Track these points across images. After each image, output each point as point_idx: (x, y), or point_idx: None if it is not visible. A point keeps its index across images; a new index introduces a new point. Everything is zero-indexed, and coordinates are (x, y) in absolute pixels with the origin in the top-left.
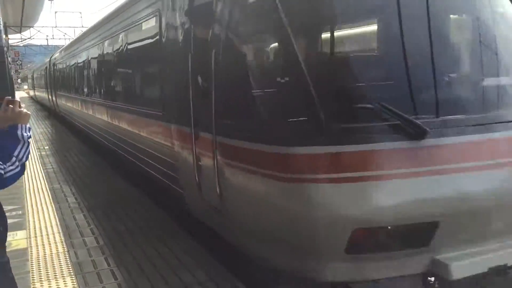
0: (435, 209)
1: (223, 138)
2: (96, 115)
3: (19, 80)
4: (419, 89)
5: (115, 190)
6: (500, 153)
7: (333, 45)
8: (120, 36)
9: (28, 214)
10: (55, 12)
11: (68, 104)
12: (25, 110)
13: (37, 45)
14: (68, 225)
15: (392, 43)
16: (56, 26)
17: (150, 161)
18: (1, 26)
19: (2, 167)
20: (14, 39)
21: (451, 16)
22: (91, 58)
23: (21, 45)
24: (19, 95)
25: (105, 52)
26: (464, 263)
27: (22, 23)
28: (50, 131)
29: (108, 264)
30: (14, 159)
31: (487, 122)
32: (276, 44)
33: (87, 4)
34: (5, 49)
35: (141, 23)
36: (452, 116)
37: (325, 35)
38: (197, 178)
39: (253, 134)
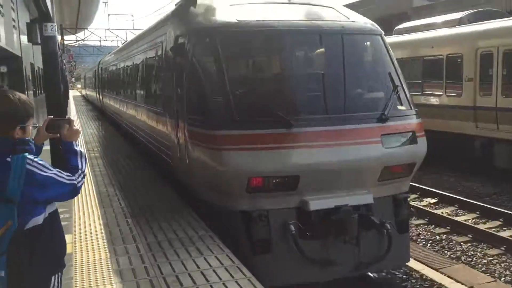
0: (295, 168)
1: (189, 126)
2: (124, 110)
3: (73, 79)
4: (290, 100)
5: (160, 197)
6: (338, 137)
7: (240, 72)
8: (142, 54)
9: (74, 218)
10: (108, 15)
11: (109, 102)
12: (77, 128)
13: (91, 46)
14: (111, 231)
15: (276, 74)
16: (109, 28)
17: (155, 143)
18: (55, 31)
19: (73, 178)
20: (69, 40)
21: (312, 53)
22: (123, 67)
23: (76, 45)
24: (72, 94)
25: (131, 64)
26: (318, 202)
27: (77, 25)
28: (100, 133)
29: (147, 274)
30: (80, 171)
31: (328, 119)
32: (213, 71)
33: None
34: (60, 51)
35: (155, 47)
36: (308, 116)
37: (236, 68)
38: (178, 152)
39: (200, 123)
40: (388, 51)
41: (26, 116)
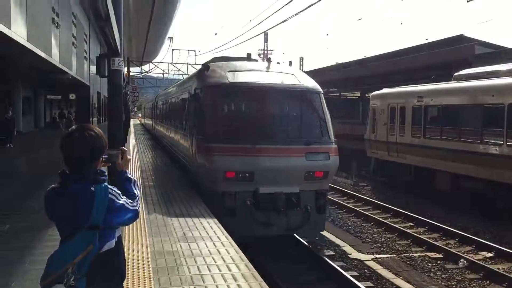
0: (251, 167)
1: (197, 139)
2: (167, 133)
3: (135, 109)
4: (255, 128)
5: (203, 231)
6: (279, 152)
7: (219, 111)
8: (177, 96)
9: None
10: (173, 50)
11: (159, 128)
12: (129, 157)
13: (154, 78)
14: (157, 263)
15: (242, 113)
16: (171, 62)
17: (181, 154)
18: (122, 65)
19: (134, 204)
20: (134, 72)
21: (271, 102)
22: (167, 104)
23: (140, 76)
24: (133, 122)
25: (172, 101)
26: (266, 189)
27: (143, 58)
28: (155, 161)
29: None
30: (137, 197)
31: (275, 141)
32: (203, 110)
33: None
34: (125, 83)
35: (185, 91)
36: (263, 138)
37: (214, 109)
38: (193, 158)
39: (202, 138)
40: (321, 103)
41: (105, 149)
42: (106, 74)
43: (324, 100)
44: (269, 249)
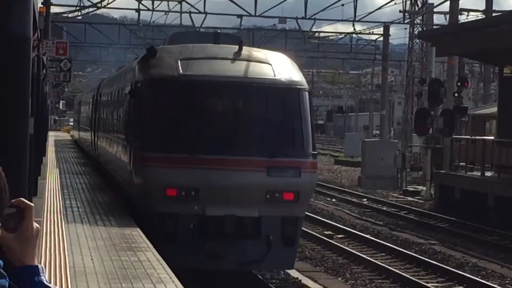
0: (197, 183)
1: (133, 148)
2: (108, 149)
3: (60, 106)
4: (199, 137)
5: None
6: (231, 164)
7: (162, 112)
8: (119, 89)
9: None
10: None
11: (102, 145)
12: (36, 226)
13: (116, 22)
14: None
15: (192, 115)
16: None
17: (119, 172)
18: None
19: None
20: (62, 7)
21: (229, 101)
22: (111, 100)
23: (80, 17)
24: (53, 138)
25: (114, 98)
26: (215, 210)
27: None
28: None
29: None
30: None
31: (226, 150)
32: (142, 111)
33: None
34: (36, 34)
35: (127, 85)
36: (212, 149)
37: (155, 109)
38: (130, 174)
39: (138, 147)
40: (301, 103)
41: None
42: None
43: (307, 100)
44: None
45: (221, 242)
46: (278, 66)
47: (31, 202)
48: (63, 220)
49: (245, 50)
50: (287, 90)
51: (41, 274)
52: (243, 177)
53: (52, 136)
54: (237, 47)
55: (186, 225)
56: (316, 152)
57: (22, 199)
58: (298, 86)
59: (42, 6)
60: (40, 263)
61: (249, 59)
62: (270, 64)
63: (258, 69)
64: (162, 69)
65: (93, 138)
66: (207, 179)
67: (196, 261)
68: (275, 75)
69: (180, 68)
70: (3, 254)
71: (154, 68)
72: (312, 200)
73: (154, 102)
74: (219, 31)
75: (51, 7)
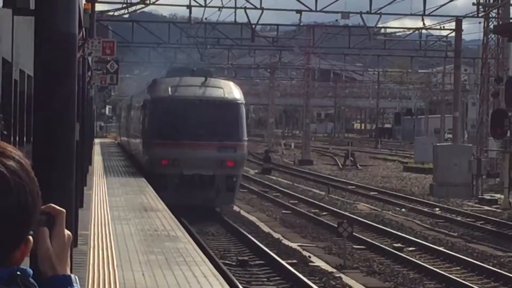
0: (178, 156)
1: (143, 137)
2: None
3: (106, 111)
4: (180, 130)
5: None
6: (198, 146)
7: (161, 116)
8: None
9: None
10: None
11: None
12: (68, 232)
13: (165, 20)
14: None
15: (177, 118)
16: None
17: (136, 150)
18: None
19: None
20: (107, 4)
21: (202, 110)
22: (133, 110)
23: (126, 16)
24: (99, 145)
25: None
26: (187, 171)
27: None
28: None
29: None
30: None
31: (195, 138)
32: (148, 118)
33: None
34: (80, 35)
35: (141, 101)
36: (189, 136)
37: (157, 115)
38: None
39: (147, 136)
40: (239, 111)
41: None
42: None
43: (243, 109)
44: None
45: (192, 188)
46: (227, 90)
47: (77, 214)
48: (111, 233)
49: (208, 80)
50: (230, 103)
51: (74, 284)
52: (205, 153)
53: (97, 143)
54: (203, 78)
55: (173, 180)
56: (246, 138)
57: (52, 204)
58: (237, 101)
59: (86, 3)
60: (88, 279)
61: (210, 86)
62: (222, 88)
63: (215, 92)
64: (160, 92)
65: (127, 135)
66: (185, 154)
67: (178, 200)
68: (224, 95)
69: (170, 91)
70: (35, 263)
71: (155, 92)
72: (379, 210)
73: (155, 111)
74: (194, 69)
75: (96, 4)
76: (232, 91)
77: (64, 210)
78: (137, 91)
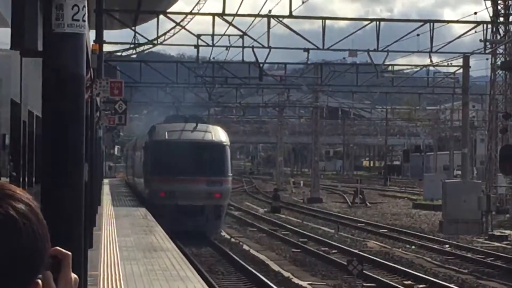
0: (174, 189)
1: (145, 174)
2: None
3: (115, 152)
4: (176, 168)
5: None
6: (192, 182)
7: (159, 156)
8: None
9: None
10: None
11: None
12: (74, 276)
13: (172, 60)
14: None
15: (172, 157)
16: (221, 14)
17: (140, 185)
18: (85, 19)
19: None
20: (116, 45)
21: (193, 152)
22: (137, 151)
23: (134, 56)
24: (108, 186)
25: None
26: (182, 201)
27: (140, 5)
28: None
29: None
30: None
31: (188, 174)
32: (148, 158)
33: None
34: (89, 75)
35: (142, 144)
36: (182, 173)
37: (156, 155)
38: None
39: (148, 173)
40: (224, 151)
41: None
42: (38, 45)
43: (228, 150)
44: None
45: (186, 216)
46: (214, 133)
47: (87, 255)
48: (121, 273)
49: (199, 126)
50: (217, 145)
51: None
52: (196, 186)
53: (107, 183)
54: (195, 124)
55: (169, 210)
56: (231, 174)
57: (58, 248)
58: (223, 143)
59: (94, 44)
60: None
61: (200, 130)
62: (210, 132)
63: (204, 135)
64: (158, 136)
65: (132, 174)
66: (179, 187)
67: (174, 226)
68: (212, 138)
69: (166, 136)
70: None
71: (154, 136)
72: (389, 247)
73: (154, 152)
74: (187, 116)
75: (104, 45)
76: (219, 134)
77: (70, 253)
78: (140, 135)
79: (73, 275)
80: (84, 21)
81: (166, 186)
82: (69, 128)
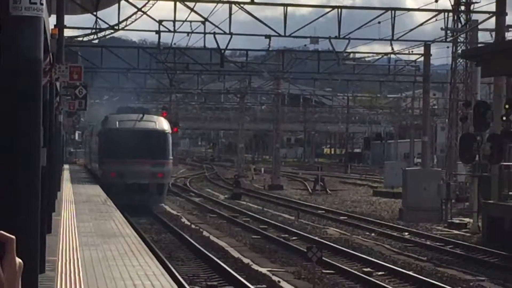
0: (123, 169)
1: (99, 157)
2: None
3: (76, 137)
4: (125, 152)
5: None
6: (138, 163)
7: (110, 142)
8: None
9: None
10: None
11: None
12: (19, 260)
13: (134, 45)
14: None
15: (122, 143)
16: None
17: (95, 167)
18: (43, 2)
19: None
20: (76, 30)
21: (141, 138)
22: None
23: (96, 40)
24: (68, 171)
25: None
26: (131, 180)
27: None
28: None
29: None
30: None
31: (135, 157)
32: (102, 143)
33: None
34: (48, 59)
35: (97, 131)
36: (132, 155)
37: (107, 141)
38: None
39: (100, 156)
40: (166, 138)
41: None
42: None
43: (169, 136)
44: None
45: (133, 193)
46: (158, 123)
47: (45, 240)
48: (79, 259)
49: (145, 116)
50: (160, 132)
51: None
52: (142, 167)
53: (67, 169)
54: (142, 114)
55: (119, 187)
56: (172, 157)
57: (1, 231)
58: (166, 131)
59: (54, 28)
60: None
61: (145, 120)
62: (155, 122)
63: (149, 124)
64: (110, 125)
65: (89, 157)
66: (127, 168)
67: (122, 200)
68: (156, 126)
69: (117, 124)
70: None
71: (107, 124)
72: (349, 234)
73: (107, 138)
74: (135, 107)
75: (65, 30)
76: (162, 124)
77: (13, 237)
78: (96, 123)
79: (18, 260)
80: (42, 4)
81: (116, 167)
82: (24, 112)
